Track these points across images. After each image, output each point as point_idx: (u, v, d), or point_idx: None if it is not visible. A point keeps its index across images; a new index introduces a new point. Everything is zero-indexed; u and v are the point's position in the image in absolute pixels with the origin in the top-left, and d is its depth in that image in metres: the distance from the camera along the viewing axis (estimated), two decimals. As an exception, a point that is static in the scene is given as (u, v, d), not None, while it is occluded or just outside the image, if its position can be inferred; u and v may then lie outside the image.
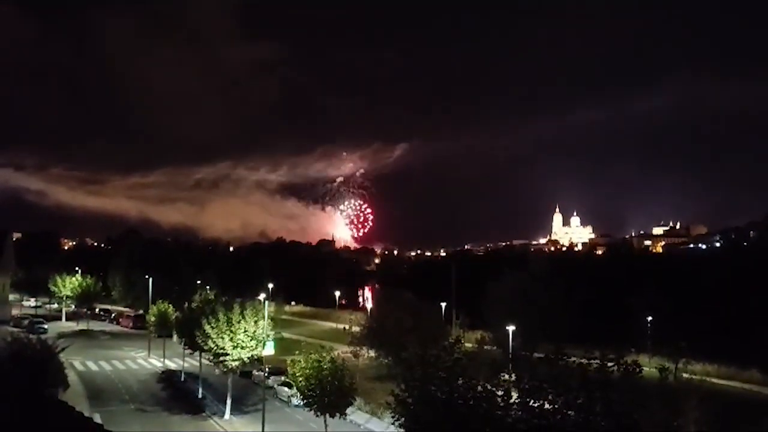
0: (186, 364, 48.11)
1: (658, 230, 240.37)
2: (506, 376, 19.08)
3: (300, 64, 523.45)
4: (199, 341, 37.25)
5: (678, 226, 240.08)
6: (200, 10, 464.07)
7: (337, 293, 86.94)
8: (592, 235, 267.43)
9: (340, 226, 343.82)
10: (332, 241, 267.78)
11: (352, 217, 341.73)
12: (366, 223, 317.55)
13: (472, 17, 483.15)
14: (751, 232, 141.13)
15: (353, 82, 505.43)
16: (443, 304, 61.53)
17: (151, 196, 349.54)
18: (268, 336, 35.48)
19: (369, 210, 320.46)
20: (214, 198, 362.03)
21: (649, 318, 51.35)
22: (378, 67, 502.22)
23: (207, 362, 40.82)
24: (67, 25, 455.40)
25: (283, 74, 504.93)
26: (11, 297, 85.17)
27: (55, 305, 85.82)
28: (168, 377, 47.87)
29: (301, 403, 31.24)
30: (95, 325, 76.04)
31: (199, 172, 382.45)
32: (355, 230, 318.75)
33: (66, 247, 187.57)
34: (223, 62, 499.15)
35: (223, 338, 35.63)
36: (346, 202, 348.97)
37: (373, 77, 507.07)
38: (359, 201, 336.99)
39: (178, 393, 43.19)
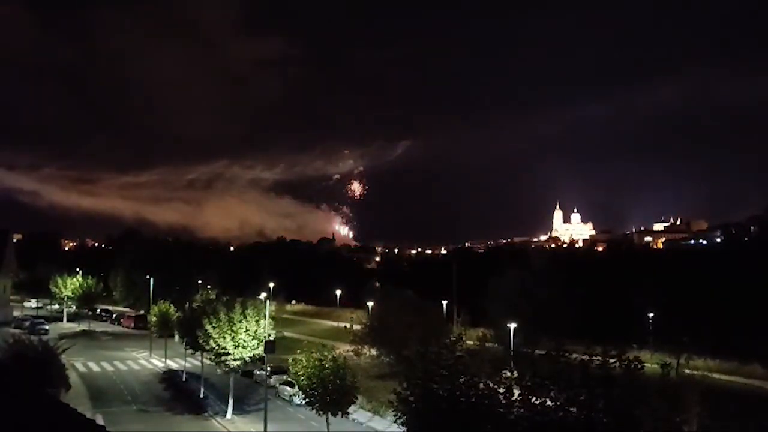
0: (188, 364, 48.13)
1: (658, 226, 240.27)
2: (508, 373, 19.05)
3: (302, 62, 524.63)
4: (201, 341, 37.27)
5: (678, 222, 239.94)
6: (201, 8, 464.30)
7: (338, 292, 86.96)
8: (593, 232, 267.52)
9: (338, 223, 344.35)
10: (332, 240, 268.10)
11: (349, 215, 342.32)
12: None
13: (474, 16, 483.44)
14: (752, 227, 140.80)
15: (356, 80, 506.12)
16: (444, 302, 61.59)
17: (145, 195, 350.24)
18: (269, 335, 35.47)
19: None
20: (209, 197, 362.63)
21: (651, 314, 51.38)
22: (381, 65, 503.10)
23: (208, 362, 40.83)
24: (64, 23, 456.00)
25: (284, 72, 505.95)
26: (12, 298, 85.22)
27: (57, 306, 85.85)
28: (170, 377, 47.88)
29: (303, 402, 31.21)
30: (96, 326, 76.09)
31: (194, 171, 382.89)
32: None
33: (67, 248, 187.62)
34: (224, 60, 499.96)
35: (224, 338, 35.63)
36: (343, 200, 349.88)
37: (375, 75, 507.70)
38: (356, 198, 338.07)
39: (180, 393, 43.19)
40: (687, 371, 34.41)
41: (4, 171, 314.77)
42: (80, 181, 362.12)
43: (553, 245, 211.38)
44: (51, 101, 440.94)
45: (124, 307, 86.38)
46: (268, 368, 39.17)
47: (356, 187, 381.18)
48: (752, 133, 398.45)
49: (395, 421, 21.10)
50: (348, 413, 31.77)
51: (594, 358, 17.24)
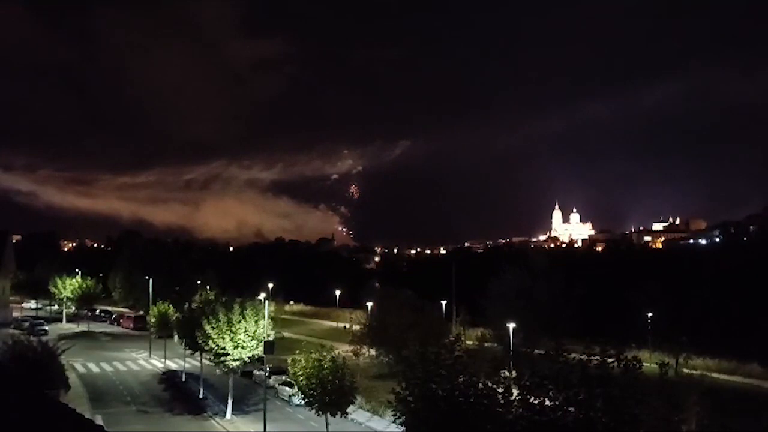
0: (187, 365, 48.13)
1: (657, 226, 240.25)
2: (507, 373, 19.05)
3: (302, 62, 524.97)
4: (200, 341, 37.27)
5: (677, 221, 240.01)
6: (201, 8, 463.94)
7: (338, 292, 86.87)
8: (592, 232, 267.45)
9: (336, 223, 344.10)
10: (331, 240, 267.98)
11: (347, 215, 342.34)
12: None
13: (474, 16, 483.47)
14: (751, 226, 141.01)
15: (355, 80, 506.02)
16: (444, 302, 61.57)
17: (142, 196, 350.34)
18: (268, 336, 35.49)
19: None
20: (206, 197, 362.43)
21: (650, 313, 51.36)
22: (381, 65, 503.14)
23: (208, 362, 40.87)
24: (64, 23, 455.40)
25: (284, 71, 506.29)
26: (11, 299, 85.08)
27: (56, 307, 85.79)
28: (169, 378, 47.89)
29: (302, 403, 31.26)
30: (96, 327, 76.08)
31: (191, 172, 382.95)
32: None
33: (66, 249, 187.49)
34: (224, 60, 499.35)
35: (223, 338, 35.65)
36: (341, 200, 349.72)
37: (375, 75, 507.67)
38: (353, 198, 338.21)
39: (179, 393, 43.22)
40: (686, 370, 34.42)
41: (1, 172, 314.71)
42: (77, 181, 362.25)
43: (552, 245, 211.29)
44: (48, 101, 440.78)
45: (124, 307, 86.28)
46: (268, 368, 39.25)
47: (354, 188, 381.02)
48: (752, 132, 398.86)
49: (394, 421, 21.10)
50: (347, 413, 31.77)
51: (593, 357, 17.24)
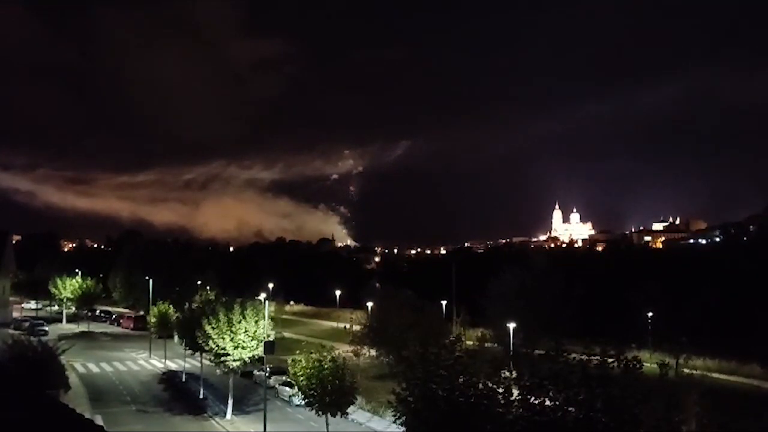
0: (187, 365, 48.12)
1: (657, 226, 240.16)
2: (507, 374, 19.04)
3: (302, 62, 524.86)
4: (200, 342, 37.26)
5: (677, 221, 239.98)
6: (201, 8, 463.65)
7: (338, 292, 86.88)
8: (592, 232, 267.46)
9: (336, 223, 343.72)
10: (332, 240, 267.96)
11: (347, 215, 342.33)
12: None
13: (474, 16, 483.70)
14: (751, 226, 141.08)
15: (356, 80, 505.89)
16: (444, 302, 61.56)
17: (141, 196, 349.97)
18: (268, 336, 35.49)
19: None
20: (206, 198, 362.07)
21: (650, 313, 51.38)
22: (381, 65, 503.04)
23: (208, 363, 40.86)
24: (63, 23, 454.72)
25: (284, 71, 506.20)
26: (11, 299, 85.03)
27: (56, 307, 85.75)
28: (169, 378, 47.88)
29: (303, 403, 31.26)
30: (96, 327, 76.08)
31: (191, 172, 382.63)
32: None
33: (66, 249, 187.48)
34: (224, 60, 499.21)
35: (223, 338, 35.65)
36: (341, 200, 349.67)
37: (375, 75, 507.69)
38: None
39: (179, 394, 43.21)
40: (686, 371, 34.42)
41: (1, 171, 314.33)
42: (76, 181, 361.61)
43: (552, 245, 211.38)
44: (48, 101, 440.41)
45: (124, 308, 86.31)
46: (268, 369, 39.22)
47: (354, 188, 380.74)
48: (752, 132, 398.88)
49: (394, 422, 21.11)
50: (347, 414, 31.79)
51: (593, 357, 17.22)
